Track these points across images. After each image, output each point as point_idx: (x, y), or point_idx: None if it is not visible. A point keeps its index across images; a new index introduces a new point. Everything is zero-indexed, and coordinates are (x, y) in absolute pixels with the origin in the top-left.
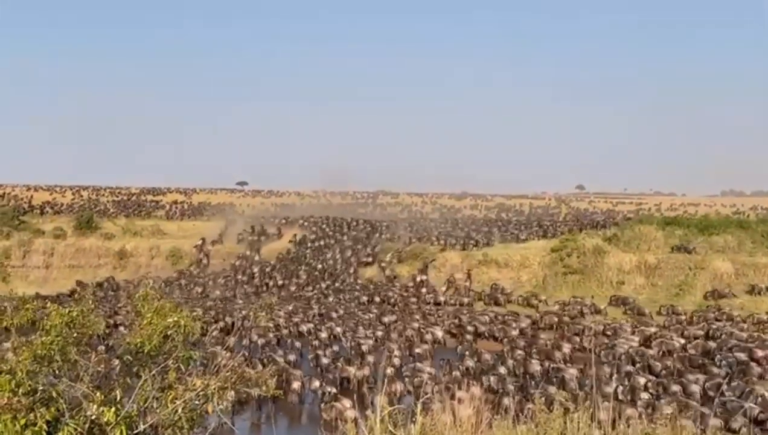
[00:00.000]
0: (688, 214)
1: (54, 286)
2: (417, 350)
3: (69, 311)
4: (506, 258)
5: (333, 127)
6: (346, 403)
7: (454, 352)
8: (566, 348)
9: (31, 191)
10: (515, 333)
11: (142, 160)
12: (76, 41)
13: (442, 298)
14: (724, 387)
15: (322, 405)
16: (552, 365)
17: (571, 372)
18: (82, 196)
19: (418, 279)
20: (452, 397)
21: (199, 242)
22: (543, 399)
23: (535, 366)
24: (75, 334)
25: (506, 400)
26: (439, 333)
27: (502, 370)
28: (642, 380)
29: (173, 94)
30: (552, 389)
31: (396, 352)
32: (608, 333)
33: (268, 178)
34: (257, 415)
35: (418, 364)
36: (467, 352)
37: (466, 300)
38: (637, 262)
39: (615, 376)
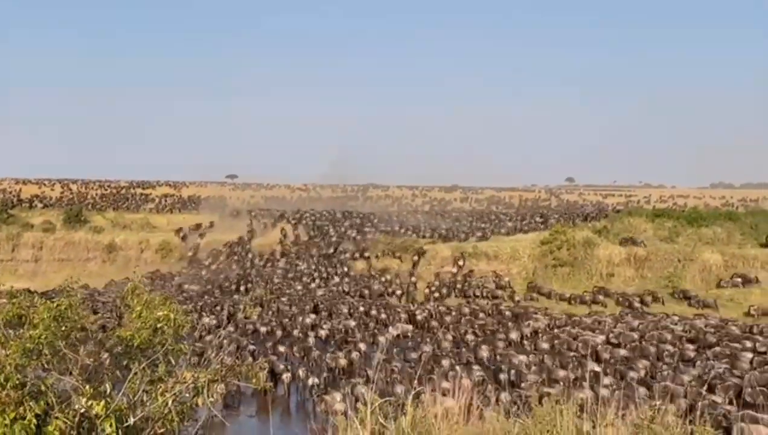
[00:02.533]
0: (678, 206)
1: (43, 280)
2: (380, 338)
3: (57, 305)
4: (496, 250)
5: (321, 121)
6: (336, 396)
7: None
8: (513, 335)
9: (19, 185)
10: (481, 323)
11: (129, 154)
12: (67, 34)
13: (427, 291)
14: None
15: (314, 398)
16: (501, 352)
17: (520, 359)
18: (71, 189)
19: (411, 275)
20: (433, 389)
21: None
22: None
23: (484, 352)
24: (63, 328)
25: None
26: (408, 326)
27: (468, 357)
28: (595, 367)
29: (164, 87)
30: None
31: (361, 344)
32: (560, 324)
33: (258, 171)
34: (248, 408)
35: (379, 354)
36: (428, 340)
37: (444, 291)
38: (626, 254)
39: (570, 365)
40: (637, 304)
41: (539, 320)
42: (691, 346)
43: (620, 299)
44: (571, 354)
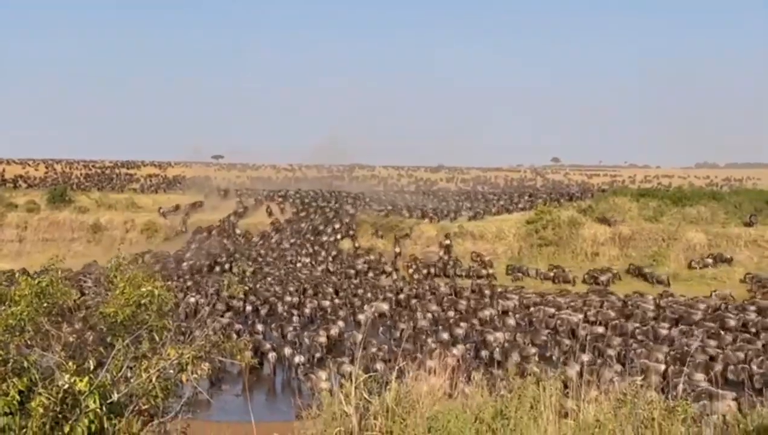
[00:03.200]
0: (662, 186)
1: (28, 260)
2: (360, 316)
3: (38, 281)
4: (482, 230)
5: (308, 102)
6: (322, 374)
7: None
8: (487, 312)
9: (3, 165)
10: (457, 301)
11: (116, 133)
12: (49, 10)
13: (411, 270)
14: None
15: (300, 376)
16: (477, 328)
17: (497, 335)
18: (55, 169)
19: (396, 254)
20: (418, 366)
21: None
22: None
23: (458, 329)
24: (45, 305)
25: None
26: (384, 305)
27: (445, 335)
28: (569, 343)
29: (151, 66)
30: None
31: (340, 321)
32: (536, 301)
33: (244, 151)
34: (233, 386)
35: (355, 332)
36: (405, 318)
37: (432, 270)
38: (611, 234)
39: (549, 342)
40: (602, 280)
41: (511, 299)
42: (665, 325)
43: (586, 277)
44: (546, 331)
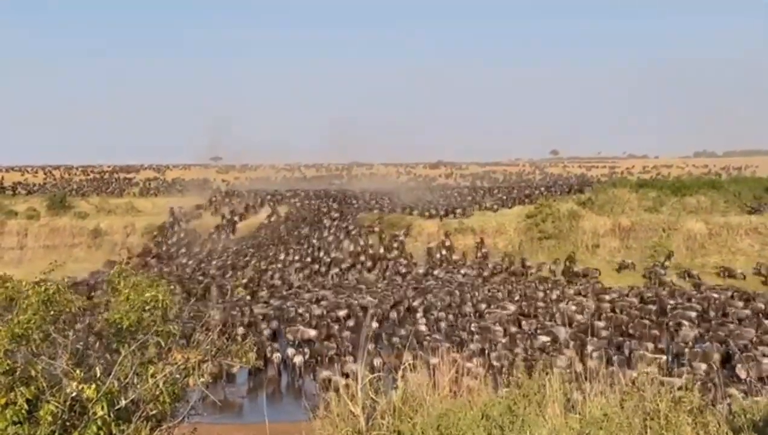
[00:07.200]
0: (662, 176)
1: (29, 267)
2: (340, 313)
3: (45, 289)
4: (482, 225)
5: (301, 98)
6: (326, 373)
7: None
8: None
9: (2, 172)
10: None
11: (114, 137)
12: (43, 13)
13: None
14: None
15: (302, 376)
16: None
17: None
18: (54, 175)
19: (399, 251)
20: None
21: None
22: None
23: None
24: (52, 312)
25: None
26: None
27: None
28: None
29: (144, 68)
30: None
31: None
32: None
33: (242, 151)
34: (239, 388)
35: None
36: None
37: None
38: (611, 225)
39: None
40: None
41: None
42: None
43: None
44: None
